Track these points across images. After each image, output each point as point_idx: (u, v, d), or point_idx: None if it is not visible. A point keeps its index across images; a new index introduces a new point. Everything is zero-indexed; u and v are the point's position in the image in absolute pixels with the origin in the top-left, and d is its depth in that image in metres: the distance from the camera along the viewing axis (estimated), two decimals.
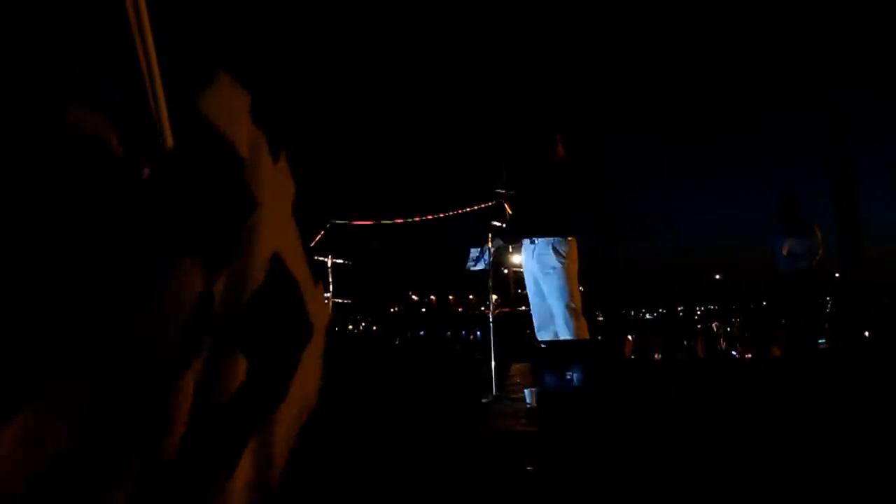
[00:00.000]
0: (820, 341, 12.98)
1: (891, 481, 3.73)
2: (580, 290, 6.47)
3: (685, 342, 21.32)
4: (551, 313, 6.33)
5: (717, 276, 54.48)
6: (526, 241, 6.74)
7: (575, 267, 6.36)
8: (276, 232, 2.08)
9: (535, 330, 6.72)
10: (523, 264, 6.85)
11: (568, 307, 6.21)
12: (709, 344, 20.66)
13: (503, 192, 7.50)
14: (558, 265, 6.32)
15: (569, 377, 5.59)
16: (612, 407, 5.70)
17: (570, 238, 6.40)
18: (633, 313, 43.28)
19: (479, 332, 23.71)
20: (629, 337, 20.58)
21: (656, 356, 19.40)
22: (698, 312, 38.41)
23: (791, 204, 11.33)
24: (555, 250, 6.37)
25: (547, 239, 6.43)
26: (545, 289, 6.40)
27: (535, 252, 6.54)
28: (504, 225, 7.75)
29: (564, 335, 6.25)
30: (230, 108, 1.97)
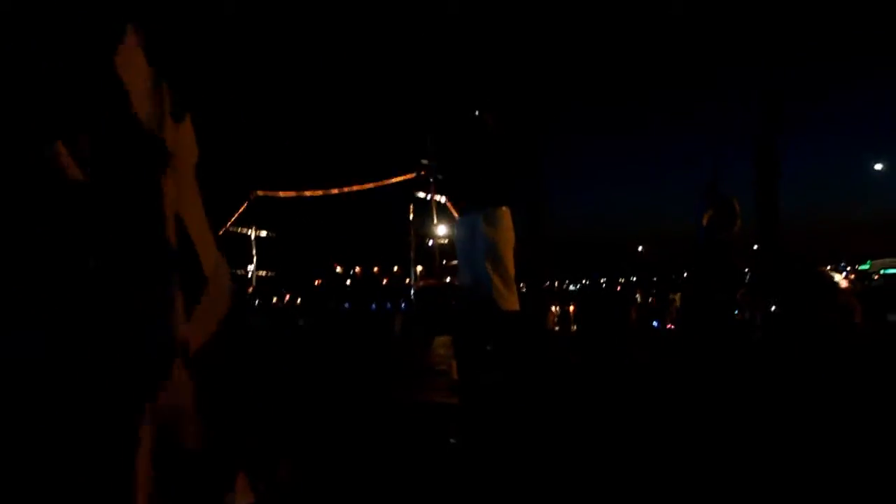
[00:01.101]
0: (737, 312, 13.25)
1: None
2: (512, 261, 6.41)
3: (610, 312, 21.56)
4: (481, 283, 6.26)
5: (640, 249, 55.27)
6: (460, 215, 6.67)
7: (507, 236, 6.29)
8: (176, 191, 2.10)
9: (464, 300, 6.66)
10: (455, 235, 6.77)
11: (499, 277, 6.15)
12: (627, 314, 20.94)
13: (427, 162, 7.44)
14: (489, 235, 6.25)
15: (491, 354, 5.59)
16: (535, 378, 5.72)
17: (502, 208, 6.33)
18: (556, 284, 43.69)
19: (403, 304, 23.69)
20: (553, 308, 20.76)
21: (573, 327, 19.63)
22: (620, 284, 38.92)
23: (710, 181, 11.59)
24: (486, 221, 6.30)
25: (478, 210, 6.36)
26: (476, 259, 6.33)
27: (466, 223, 6.47)
28: (427, 196, 7.66)
29: (493, 303, 6.18)
30: (136, 65, 1.99)
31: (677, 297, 20.84)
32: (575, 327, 19.65)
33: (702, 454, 3.81)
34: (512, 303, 6.12)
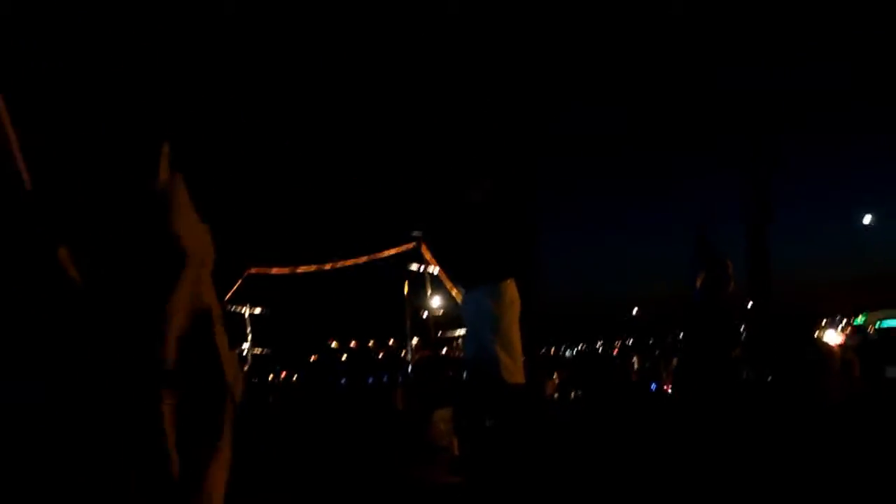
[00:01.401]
0: (737, 371, 13.22)
1: None
2: (518, 334, 6.39)
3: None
4: (486, 357, 6.20)
5: (634, 311, 55.20)
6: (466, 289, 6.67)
7: (512, 309, 6.28)
8: (199, 290, 2.15)
9: (467, 373, 6.63)
10: (461, 309, 6.75)
11: (504, 351, 6.11)
12: (626, 377, 20.85)
13: (419, 234, 7.46)
14: (494, 310, 6.23)
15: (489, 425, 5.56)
16: (539, 453, 5.69)
17: (506, 281, 6.33)
18: (552, 351, 43.56)
19: (400, 377, 23.57)
20: (553, 376, 20.68)
21: (574, 394, 19.52)
22: (616, 347, 38.79)
23: (703, 238, 11.67)
24: (490, 296, 6.28)
25: (482, 285, 6.36)
26: (482, 334, 6.30)
27: (472, 298, 6.47)
28: (420, 268, 7.69)
29: (498, 378, 6.13)
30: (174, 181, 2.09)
31: (673, 360, 20.79)
32: (574, 394, 19.55)
33: None
34: (517, 376, 6.10)
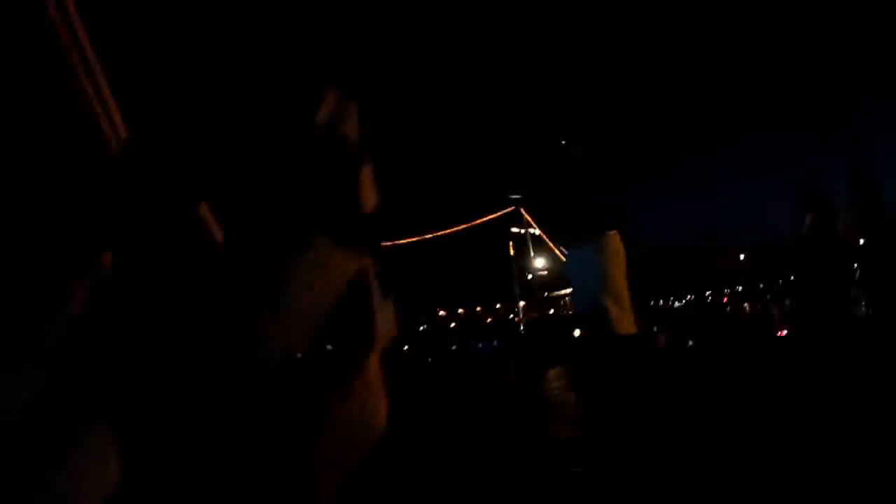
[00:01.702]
0: (853, 309, 12.95)
1: None
2: (626, 286, 6.39)
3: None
4: (597, 312, 6.24)
5: (742, 257, 54.09)
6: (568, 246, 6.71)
7: (617, 261, 6.28)
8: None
9: (579, 328, 6.67)
10: (567, 267, 6.79)
11: (614, 304, 6.13)
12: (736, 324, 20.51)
13: (518, 197, 7.47)
14: (600, 264, 6.24)
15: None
16: (656, 403, 5.69)
17: (610, 233, 6.34)
18: (661, 302, 43.04)
19: (511, 340, 23.61)
20: (664, 330, 20.53)
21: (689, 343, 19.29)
22: (725, 296, 38.11)
23: (809, 180, 11.54)
24: (596, 250, 6.30)
25: (587, 240, 6.39)
26: (591, 289, 6.32)
27: (577, 255, 6.51)
28: (522, 230, 7.71)
29: (610, 331, 6.16)
30: (344, 119, 2.15)
31: (785, 303, 20.36)
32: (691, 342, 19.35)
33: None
34: (628, 327, 6.11)
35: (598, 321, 5.99)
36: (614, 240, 6.21)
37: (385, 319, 2.34)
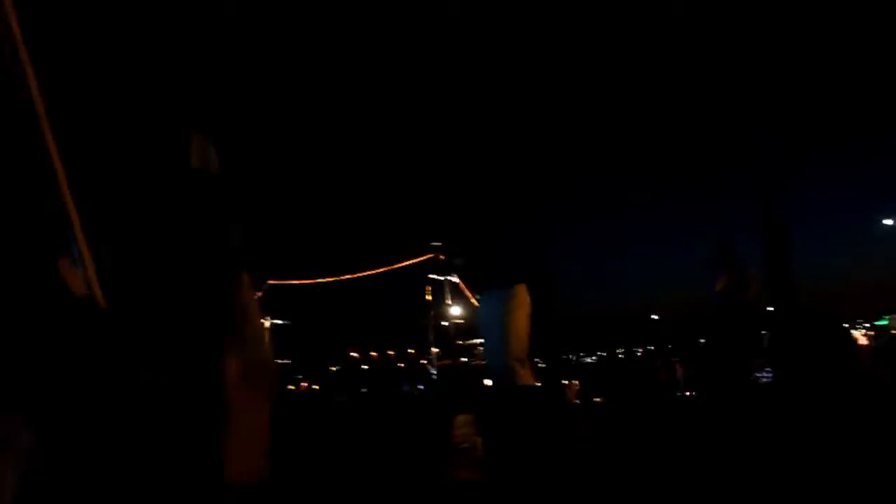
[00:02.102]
0: (758, 374, 13.25)
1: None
2: (526, 339, 6.44)
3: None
4: (497, 360, 6.30)
5: (655, 317, 55.09)
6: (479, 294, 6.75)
7: (519, 314, 6.33)
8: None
9: (491, 378, 6.72)
10: (477, 315, 6.84)
11: (511, 355, 6.19)
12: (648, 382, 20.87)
13: (439, 244, 7.55)
14: (502, 315, 6.30)
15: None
16: (561, 450, 5.74)
17: (516, 286, 6.39)
18: (573, 357, 43.49)
19: (421, 386, 23.62)
20: (573, 381, 20.70)
21: (596, 399, 19.55)
22: (639, 353, 38.72)
23: (725, 244, 11.77)
24: (500, 300, 6.36)
25: (493, 289, 6.45)
26: (493, 338, 6.38)
27: (484, 302, 6.56)
28: (440, 277, 7.78)
29: (510, 381, 6.22)
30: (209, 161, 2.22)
31: (692, 365, 20.78)
32: (598, 399, 19.60)
33: None
34: (527, 378, 6.17)
35: (500, 369, 6.06)
36: (521, 292, 6.28)
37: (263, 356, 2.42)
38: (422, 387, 23.11)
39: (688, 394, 19.45)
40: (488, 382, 6.94)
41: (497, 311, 6.27)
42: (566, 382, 19.88)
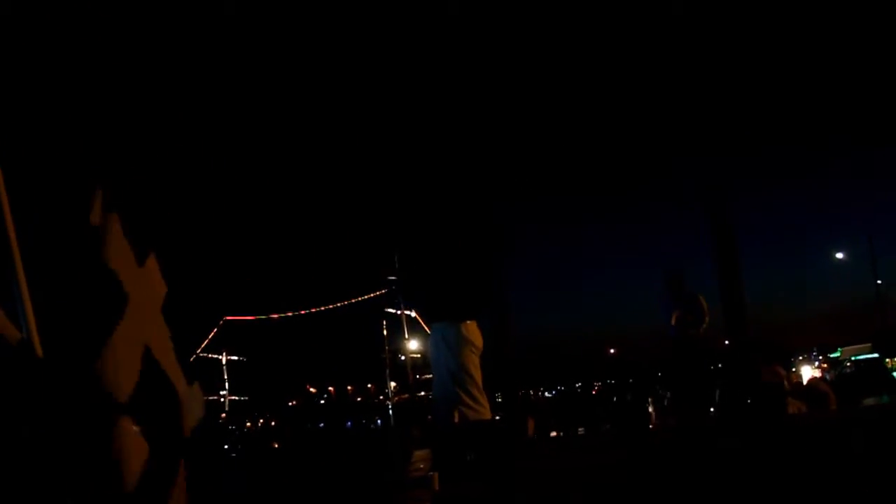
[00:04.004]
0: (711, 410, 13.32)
1: None
2: (479, 372, 6.44)
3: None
4: (448, 395, 6.29)
5: (612, 351, 55.19)
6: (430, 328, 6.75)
7: (470, 349, 6.33)
8: (144, 328, 2.25)
9: (434, 412, 6.71)
10: (430, 349, 6.80)
11: (462, 389, 6.18)
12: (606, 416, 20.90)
13: (395, 278, 7.54)
14: (452, 350, 6.30)
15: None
16: (517, 486, 5.73)
17: (465, 322, 6.40)
18: (532, 392, 43.47)
19: (379, 421, 23.44)
20: (530, 417, 20.67)
21: (553, 434, 19.55)
22: (595, 388, 38.79)
23: (673, 275, 11.77)
24: (449, 335, 6.36)
25: (442, 324, 6.44)
26: (442, 372, 6.38)
27: (434, 337, 6.55)
28: (397, 311, 7.79)
29: (461, 415, 6.21)
30: (108, 223, 2.19)
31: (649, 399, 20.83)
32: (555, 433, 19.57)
33: None
34: (481, 413, 6.15)
35: (449, 403, 6.06)
36: (469, 327, 6.28)
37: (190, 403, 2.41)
38: (379, 421, 22.94)
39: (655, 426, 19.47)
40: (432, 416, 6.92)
41: (443, 344, 6.27)
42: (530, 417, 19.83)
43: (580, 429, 20.52)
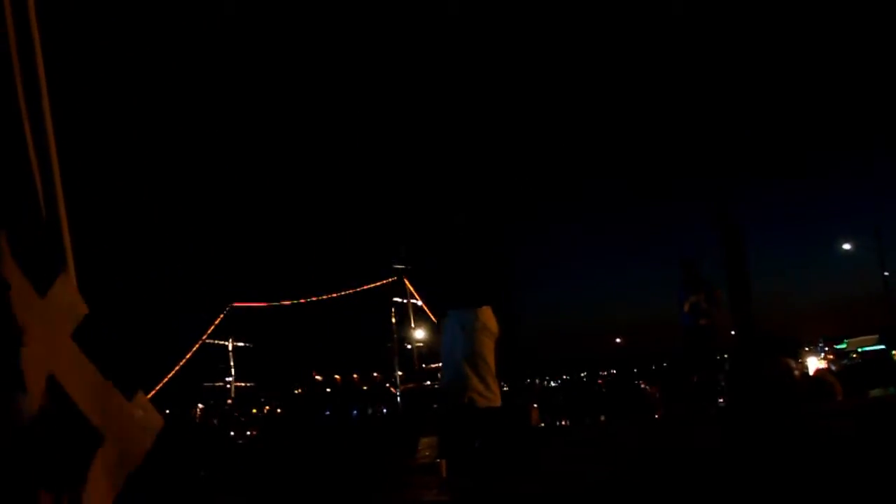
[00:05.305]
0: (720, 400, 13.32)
1: None
2: (493, 360, 6.41)
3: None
4: (459, 382, 6.26)
5: (618, 340, 55.32)
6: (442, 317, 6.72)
7: (485, 336, 6.31)
8: (48, 356, 2.21)
9: (441, 399, 6.70)
10: (443, 335, 6.76)
11: (476, 376, 6.16)
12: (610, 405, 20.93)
13: (402, 267, 7.53)
14: (467, 336, 6.27)
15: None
16: (524, 474, 5.74)
17: (481, 308, 6.37)
18: (537, 381, 43.55)
19: (385, 409, 23.51)
20: (534, 405, 20.73)
21: (563, 422, 19.57)
22: (600, 377, 38.87)
23: (690, 264, 11.75)
24: (464, 321, 6.33)
25: (457, 311, 6.42)
26: (456, 359, 6.34)
27: (448, 324, 6.53)
28: (404, 300, 7.76)
29: (471, 402, 6.19)
30: None
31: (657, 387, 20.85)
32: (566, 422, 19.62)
33: None
34: (491, 400, 6.14)
35: (459, 390, 6.04)
36: (485, 314, 6.26)
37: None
38: (385, 410, 22.99)
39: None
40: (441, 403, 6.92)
41: (458, 330, 6.26)
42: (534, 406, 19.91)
43: (598, 418, 20.56)
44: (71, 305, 2.42)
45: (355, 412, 25.06)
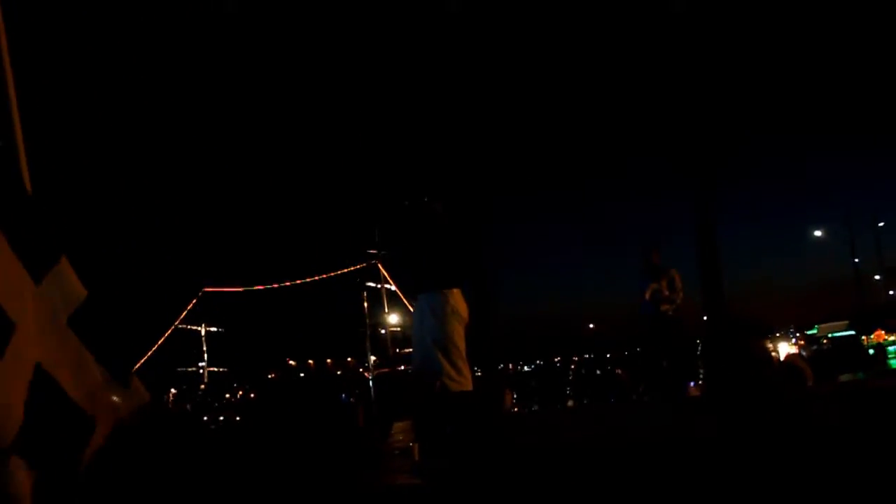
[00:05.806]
0: (691, 384, 13.41)
1: None
2: (463, 343, 6.40)
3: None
4: (429, 366, 6.24)
5: (591, 326, 55.48)
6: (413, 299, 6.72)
7: (454, 319, 6.29)
8: (37, 345, 2.17)
9: (412, 383, 6.66)
10: (414, 319, 6.74)
11: (446, 359, 6.15)
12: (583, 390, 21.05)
13: (376, 252, 7.49)
14: (436, 319, 6.26)
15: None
16: (496, 457, 5.75)
17: (451, 291, 6.35)
18: (511, 366, 43.66)
19: (358, 393, 23.45)
20: (507, 389, 20.76)
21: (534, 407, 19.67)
22: (573, 363, 38.96)
23: (649, 251, 11.70)
24: (433, 304, 6.32)
25: (426, 293, 6.40)
26: (425, 342, 6.32)
27: (418, 307, 6.51)
28: (378, 285, 7.74)
29: (442, 386, 6.17)
30: None
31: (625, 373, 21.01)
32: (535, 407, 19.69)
33: None
34: (463, 385, 6.13)
35: (429, 374, 6.03)
36: (454, 297, 6.25)
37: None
38: (359, 394, 22.97)
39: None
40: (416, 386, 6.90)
41: (427, 313, 6.24)
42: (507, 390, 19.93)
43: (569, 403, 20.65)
44: (67, 291, 2.41)
45: (329, 397, 25.02)
